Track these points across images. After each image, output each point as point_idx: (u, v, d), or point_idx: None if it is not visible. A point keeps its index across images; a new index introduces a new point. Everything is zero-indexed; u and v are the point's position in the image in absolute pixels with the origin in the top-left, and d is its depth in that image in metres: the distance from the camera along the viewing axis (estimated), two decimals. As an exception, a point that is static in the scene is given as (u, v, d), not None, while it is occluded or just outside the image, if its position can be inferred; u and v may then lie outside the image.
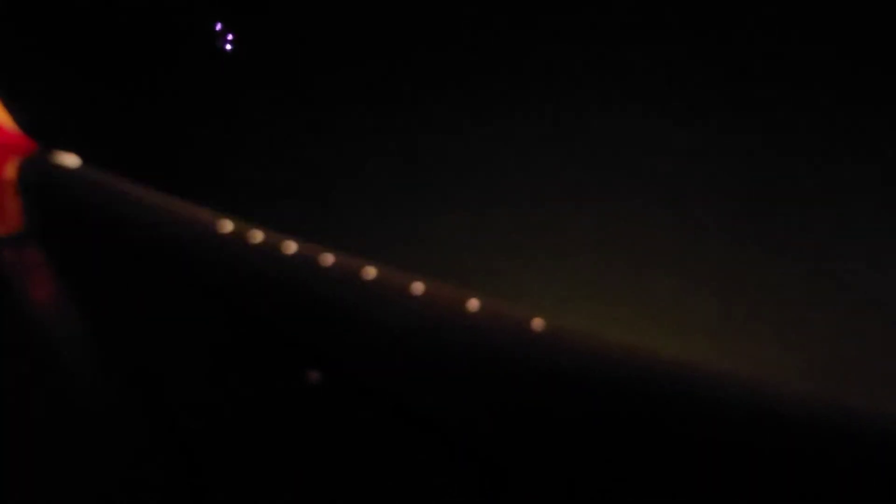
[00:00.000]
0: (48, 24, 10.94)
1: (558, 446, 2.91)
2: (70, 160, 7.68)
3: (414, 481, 2.75)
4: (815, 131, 9.38)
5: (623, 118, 10.15)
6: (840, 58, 9.29)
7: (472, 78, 11.02)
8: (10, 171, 7.43)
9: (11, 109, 8.52)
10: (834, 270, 8.63)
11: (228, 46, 11.74)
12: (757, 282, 9.01)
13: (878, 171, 8.87)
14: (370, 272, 4.26)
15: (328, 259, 4.47)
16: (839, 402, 3.21)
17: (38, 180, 7.33)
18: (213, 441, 3.04)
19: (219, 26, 11.67)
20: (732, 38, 9.88)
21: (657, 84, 10.21)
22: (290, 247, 4.57)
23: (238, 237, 4.84)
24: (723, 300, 9.00)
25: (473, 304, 3.88)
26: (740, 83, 9.92)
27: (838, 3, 9.35)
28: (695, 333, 8.39)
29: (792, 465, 2.79)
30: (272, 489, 2.77)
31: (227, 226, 4.97)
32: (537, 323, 3.71)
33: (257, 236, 4.76)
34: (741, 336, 8.51)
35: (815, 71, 9.50)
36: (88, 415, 3.30)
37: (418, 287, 4.06)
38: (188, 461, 2.98)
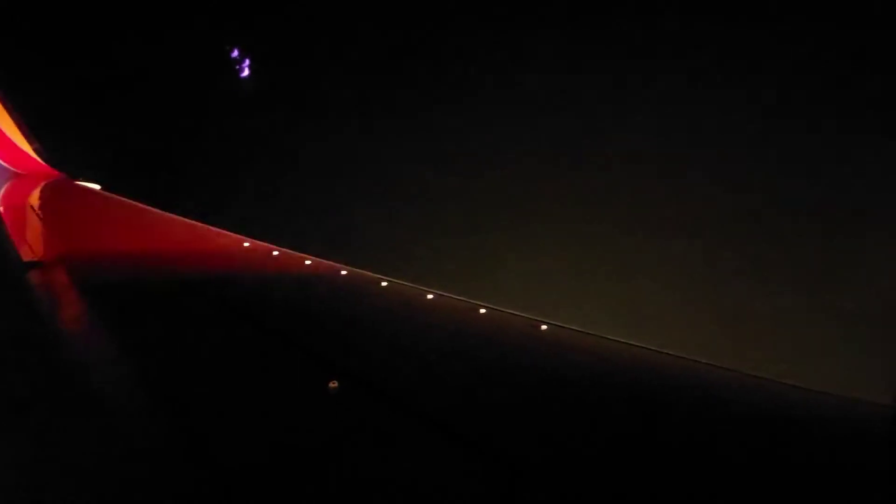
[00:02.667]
0: (70, 62, 11.21)
1: (567, 446, 3.04)
2: (91, 186, 7.94)
3: (427, 481, 2.86)
4: (813, 129, 9.28)
5: (621, 117, 10.08)
6: (841, 59, 9.22)
7: (469, 90, 11.07)
8: (35, 198, 7.68)
9: (36, 140, 8.79)
10: (834, 270, 8.54)
11: (246, 73, 11.99)
12: (756, 282, 8.95)
13: (879, 170, 8.75)
14: (382, 284, 4.46)
15: (342, 272, 4.68)
16: (839, 399, 3.34)
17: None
18: (235, 448, 3.16)
19: (235, 53, 11.91)
20: (730, 37, 9.79)
21: (655, 83, 10.14)
22: (306, 261, 4.78)
23: (257, 254, 5.06)
24: (717, 299, 8.96)
25: (481, 311, 4.06)
26: (741, 81, 9.80)
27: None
28: (692, 333, 8.38)
29: (793, 463, 2.92)
30: (292, 492, 2.89)
31: (245, 243, 5.19)
32: (544, 328, 3.86)
33: (275, 252, 4.97)
34: (741, 337, 8.47)
35: (816, 70, 9.38)
36: (117, 430, 3.41)
37: (428, 296, 4.24)
38: (213, 466, 3.10)
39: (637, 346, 3.63)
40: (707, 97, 9.56)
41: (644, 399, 3.34)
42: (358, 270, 4.82)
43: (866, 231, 8.62)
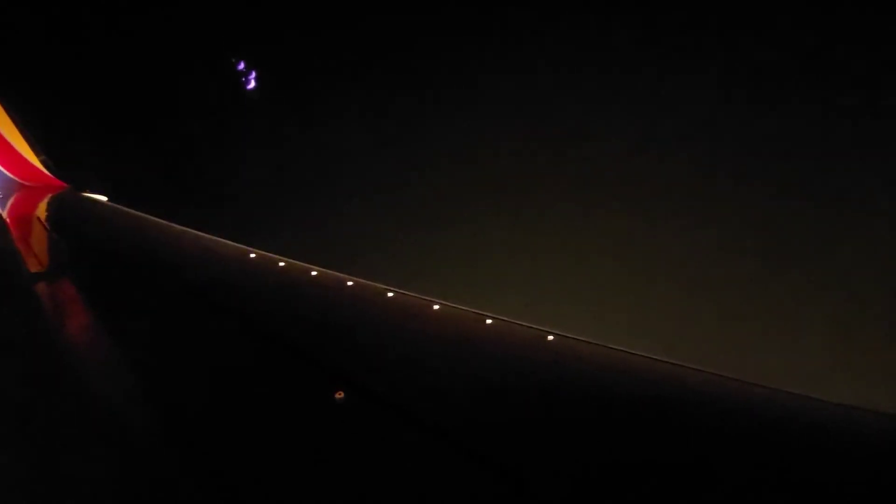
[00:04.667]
0: (77, 74, 11.32)
1: (576, 459, 3.03)
2: (97, 198, 7.99)
3: (434, 494, 2.86)
4: (811, 134, 9.27)
5: (622, 120, 10.08)
6: (840, 71, 9.24)
7: (470, 86, 11.08)
8: (42, 209, 7.73)
9: (42, 152, 8.86)
10: (832, 273, 8.53)
11: (252, 84, 12.08)
12: (757, 288, 8.93)
13: (878, 173, 8.73)
14: (388, 294, 4.47)
15: (348, 283, 4.70)
16: (837, 405, 3.32)
17: (67, 217, 7.62)
18: (239, 458, 3.17)
19: (241, 65, 12.01)
20: (736, 43, 9.80)
21: (656, 88, 10.15)
22: (312, 272, 4.80)
23: (262, 265, 5.09)
24: (723, 306, 8.94)
25: (487, 321, 4.07)
26: (745, 89, 9.81)
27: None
28: (697, 339, 8.36)
29: (796, 468, 2.91)
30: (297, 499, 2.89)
31: (251, 255, 5.23)
32: (550, 339, 3.87)
33: (280, 263, 5.00)
34: (742, 342, 8.45)
35: (816, 74, 9.39)
36: (120, 440, 3.42)
37: (434, 307, 4.25)
38: (216, 475, 3.11)
39: (648, 357, 3.61)
40: (711, 105, 9.58)
41: (656, 411, 3.32)
42: (363, 281, 4.83)
43: (870, 235, 8.62)
